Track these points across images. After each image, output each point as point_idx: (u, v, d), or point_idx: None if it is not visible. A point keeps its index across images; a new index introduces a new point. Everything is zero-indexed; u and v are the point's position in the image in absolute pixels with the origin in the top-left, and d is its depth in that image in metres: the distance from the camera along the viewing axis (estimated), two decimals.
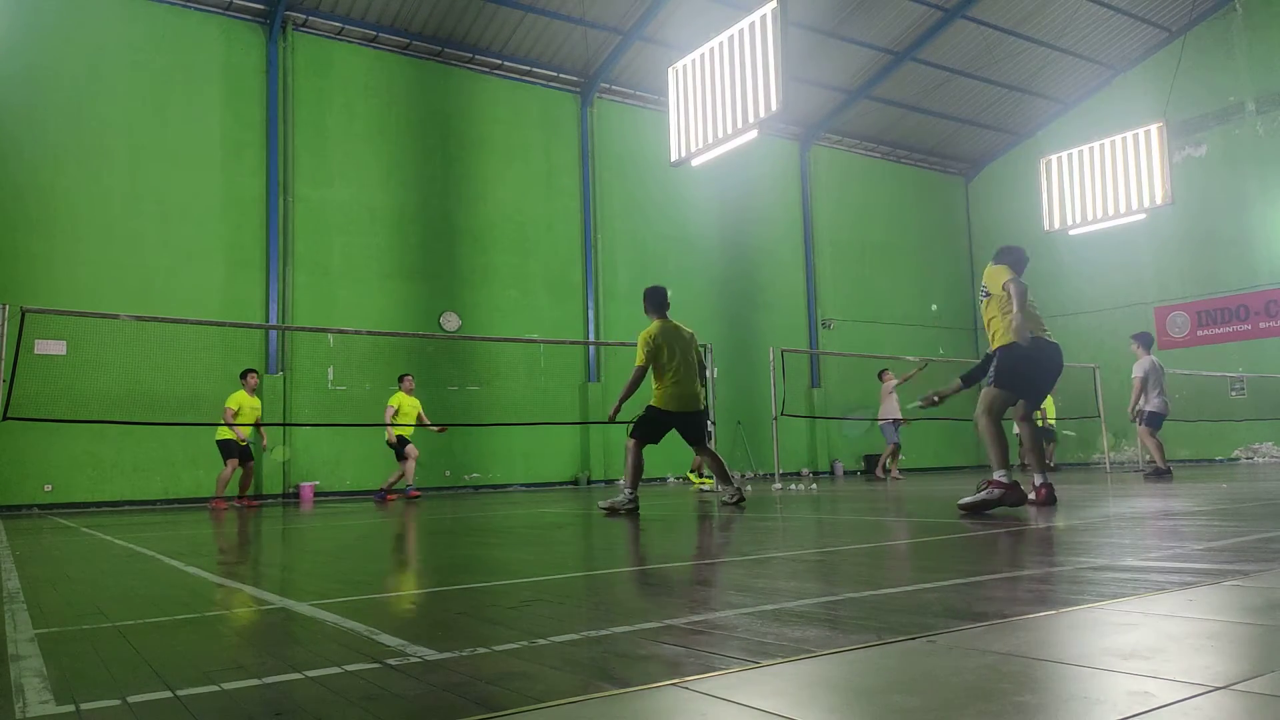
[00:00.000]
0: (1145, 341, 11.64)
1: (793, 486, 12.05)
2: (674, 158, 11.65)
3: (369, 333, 12.51)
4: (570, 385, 16.21)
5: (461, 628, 2.21)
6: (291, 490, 13.34)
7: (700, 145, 11.13)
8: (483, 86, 16.13)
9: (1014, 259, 6.06)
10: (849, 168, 20.86)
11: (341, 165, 14.62)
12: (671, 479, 16.52)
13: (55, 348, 11.78)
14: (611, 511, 6.80)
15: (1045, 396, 6.10)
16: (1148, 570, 2.74)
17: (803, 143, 20.00)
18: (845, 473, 19.18)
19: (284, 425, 13.11)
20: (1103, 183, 15.01)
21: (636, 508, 6.86)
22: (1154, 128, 14.50)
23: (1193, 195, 18.28)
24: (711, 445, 11.76)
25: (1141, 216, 14.94)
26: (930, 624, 1.96)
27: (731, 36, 10.52)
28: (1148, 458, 12.79)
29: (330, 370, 14.00)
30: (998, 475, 5.54)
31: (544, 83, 16.74)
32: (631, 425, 7.31)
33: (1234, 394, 18.14)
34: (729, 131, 10.58)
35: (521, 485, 15.42)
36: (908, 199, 21.78)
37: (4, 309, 7.62)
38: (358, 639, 2.05)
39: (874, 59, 18.61)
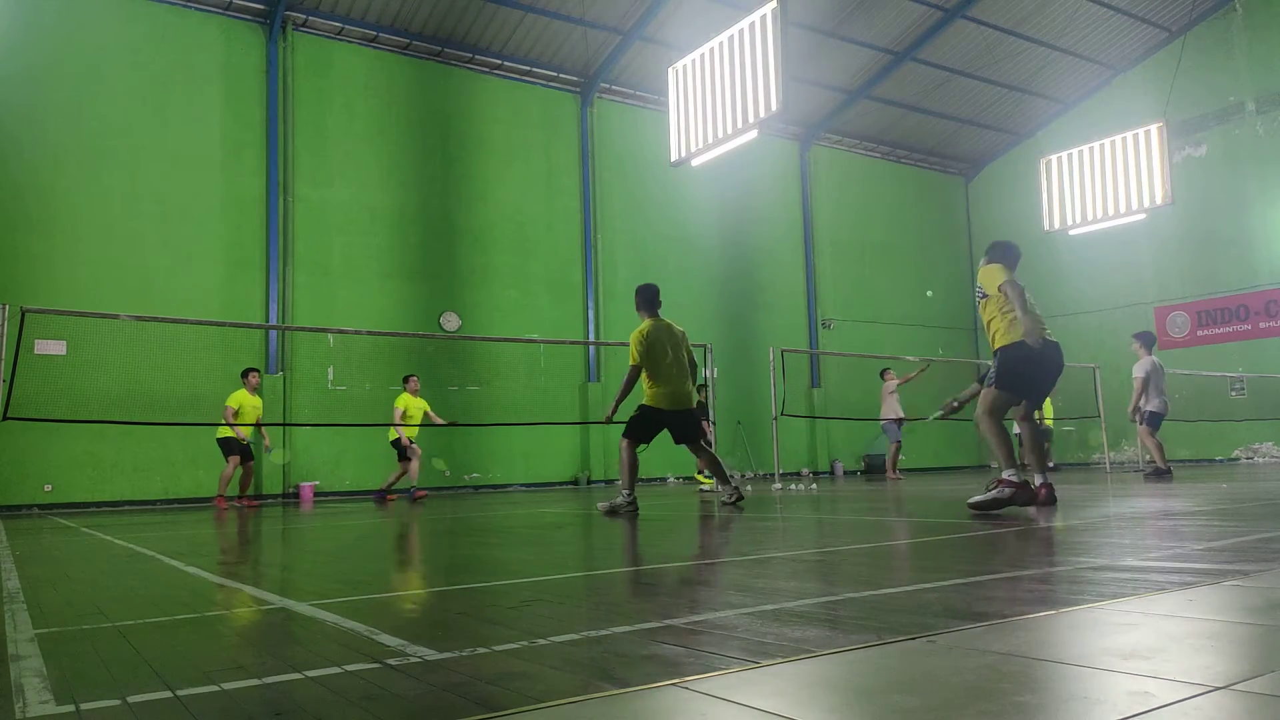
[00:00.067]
0: (1147, 341, 11.63)
1: (793, 486, 12.05)
2: (674, 158, 11.65)
3: (369, 333, 12.51)
4: (570, 385, 16.21)
5: (461, 628, 2.21)
6: (291, 490, 13.35)
7: (700, 145, 11.13)
8: (483, 86, 16.13)
9: (1005, 255, 6.02)
10: (849, 168, 20.86)
11: (341, 165, 14.62)
12: (672, 479, 16.53)
13: (55, 348, 11.78)
14: (611, 512, 6.80)
15: (1046, 396, 6.07)
16: (1148, 570, 2.74)
17: (803, 143, 20.00)
18: (845, 473, 19.19)
19: (284, 425, 13.11)
20: (1103, 183, 15.02)
21: (636, 508, 6.85)
22: (1154, 128, 14.50)
23: (1193, 195, 18.28)
24: (712, 446, 11.85)
25: (1141, 216, 14.94)
26: (930, 624, 1.96)
27: (731, 36, 10.52)
28: (1148, 458, 12.79)
29: (330, 370, 14.00)
30: (1007, 474, 5.52)
31: (544, 83, 16.75)
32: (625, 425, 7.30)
33: (1234, 394, 18.14)
34: (729, 131, 10.57)
35: (521, 485, 15.42)
36: (908, 199, 21.79)
37: (4, 309, 7.62)
38: (358, 639, 2.05)
39: (874, 59, 18.61)
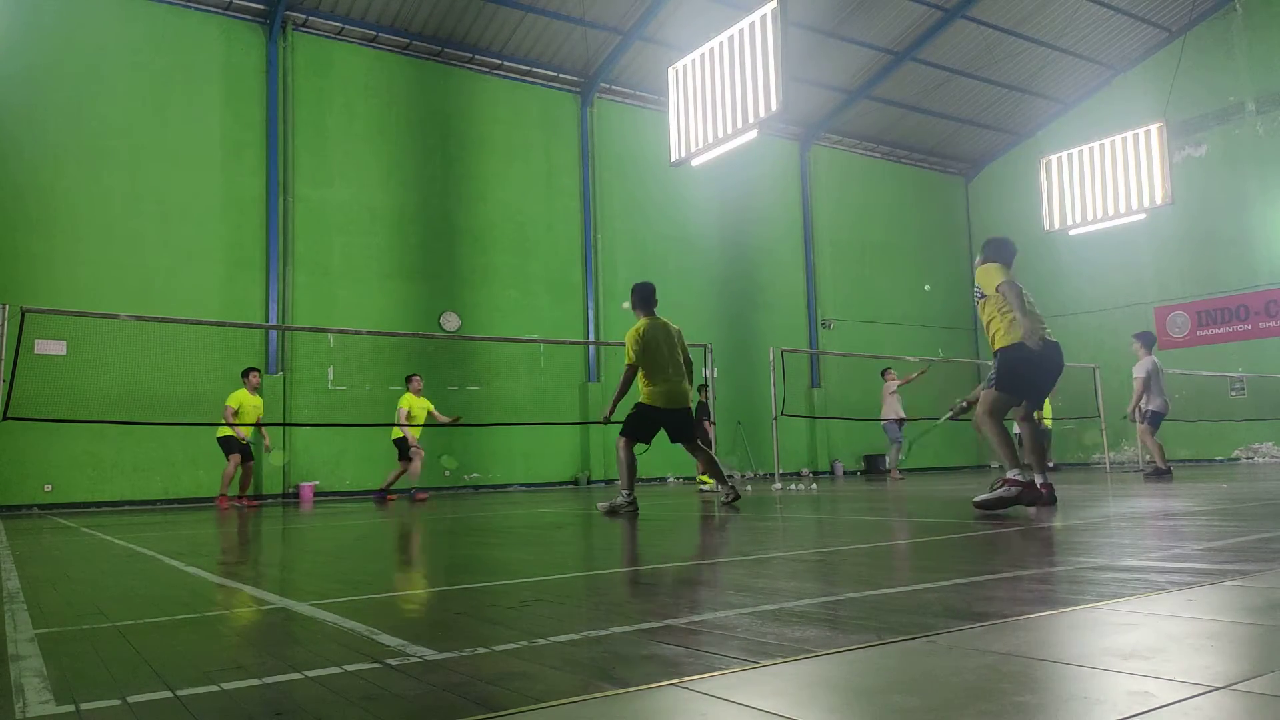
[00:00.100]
0: (1147, 341, 11.63)
1: (793, 486, 12.05)
2: (674, 158, 11.65)
3: (369, 333, 12.51)
4: (570, 385, 16.21)
5: (461, 628, 2.21)
6: (291, 490, 13.35)
7: (700, 145, 11.13)
8: (483, 86, 16.13)
9: (1001, 253, 5.96)
10: (849, 168, 20.87)
11: (341, 165, 14.62)
12: (672, 479, 16.53)
13: (55, 348, 11.78)
14: (611, 512, 6.80)
15: (1046, 396, 6.06)
16: (1148, 570, 2.74)
17: (803, 143, 20.01)
18: (845, 473, 19.19)
19: (284, 425, 13.11)
20: (1103, 183, 15.02)
21: (636, 508, 6.85)
22: (1154, 128, 14.50)
23: (1193, 195, 18.28)
24: (712, 446, 11.85)
25: (1141, 216, 14.94)
26: (930, 624, 1.96)
27: (731, 36, 10.52)
28: (1148, 458, 12.80)
29: (330, 370, 14.00)
30: (1012, 474, 5.50)
31: (544, 83, 16.75)
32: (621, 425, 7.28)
33: (1234, 394, 18.14)
34: (729, 131, 10.57)
35: (521, 485, 15.42)
36: (908, 199, 21.79)
37: (4, 309, 7.62)
38: (358, 639, 2.05)
39: (874, 59, 18.61)
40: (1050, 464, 15.64)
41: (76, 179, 12.51)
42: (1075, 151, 15.45)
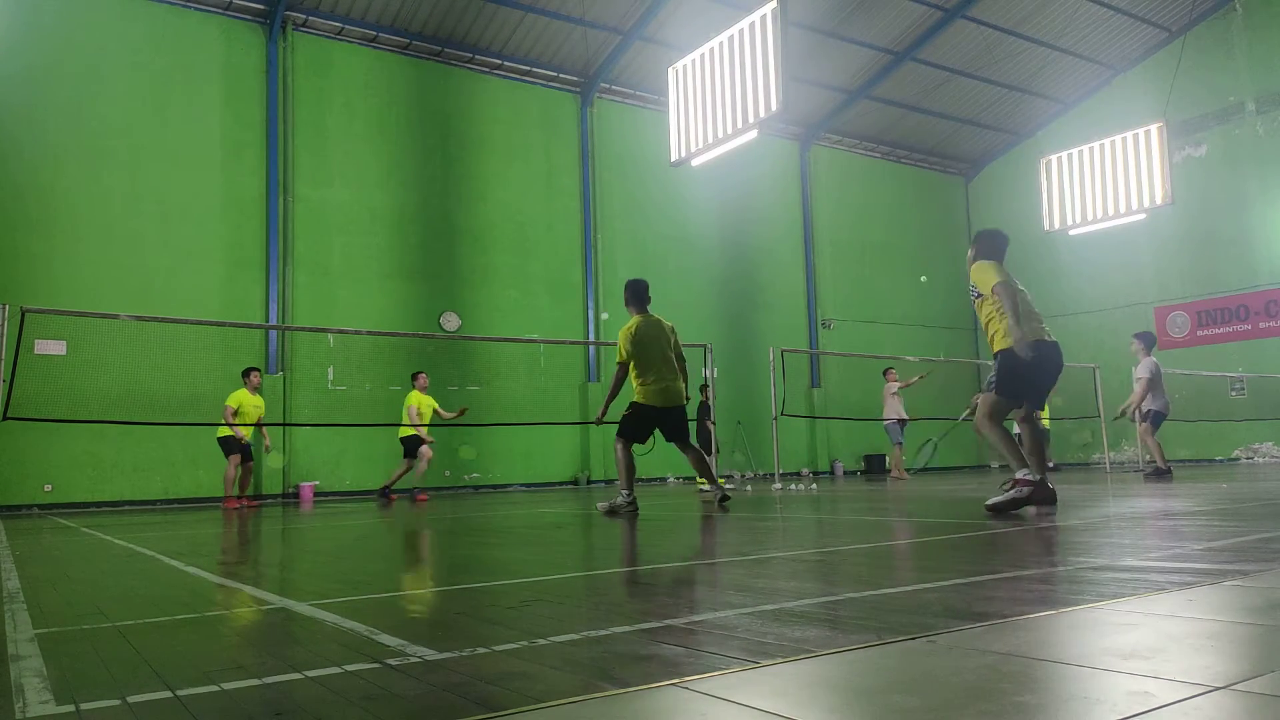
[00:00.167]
0: (1148, 341, 11.64)
1: (793, 487, 12.05)
2: (674, 158, 11.65)
3: (369, 333, 12.51)
4: (570, 385, 16.21)
5: (461, 628, 2.21)
6: (291, 490, 13.35)
7: (700, 145, 11.13)
8: (483, 86, 16.13)
9: (993, 248, 5.88)
10: (849, 168, 20.87)
11: (341, 165, 14.62)
12: (672, 479, 16.53)
13: (55, 348, 11.78)
14: (611, 512, 6.79)
15: (1046, 397, 6.01)
16: (1148, 570, 2.74)
17: (803, 143, 20.01)
18: (845, 473, 19.19)
19: (284, 425, 13.11)
20: (1103, 183, 15.02)
21: (636, 508, 6.84)
22: (1154, 128, 14.51)
23: (1193, 195, 18.29)
24: (713, 447, 11.85)
25: (1141, 216, 14.95)
26: (930, 624, 1.96)
27: (731, 36, 10.53)
28: (1148, 457, 12.80)
29: (330, 370, 14.00)
30: (1021, 474, 5.46)
31: (544, 83, 16.75)
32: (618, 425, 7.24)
33: (1234, 394, 18.15)
34: (729, 131, 10.58)
35: (521, 485, 15.43)
36: (908, 199, 21.79)
37: (4, 309, 7.62)
38: (358, 639, 2.05)
39: (874, 59, 18.61)
40: (1050, 464, 15.64)
41: (76, 179, 12.51)
42: (1075, 151, 15.45)
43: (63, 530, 7.07)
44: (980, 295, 5.77)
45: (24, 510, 11.52)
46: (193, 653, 1.99)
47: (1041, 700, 1.33)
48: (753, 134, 10.36)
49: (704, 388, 12.40)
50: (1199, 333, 18.98)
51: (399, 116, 15.25)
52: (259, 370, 11.26)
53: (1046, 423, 15.94)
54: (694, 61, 11.25)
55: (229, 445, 10.82)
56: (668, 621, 2.14)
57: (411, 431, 11.34)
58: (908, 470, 14.06)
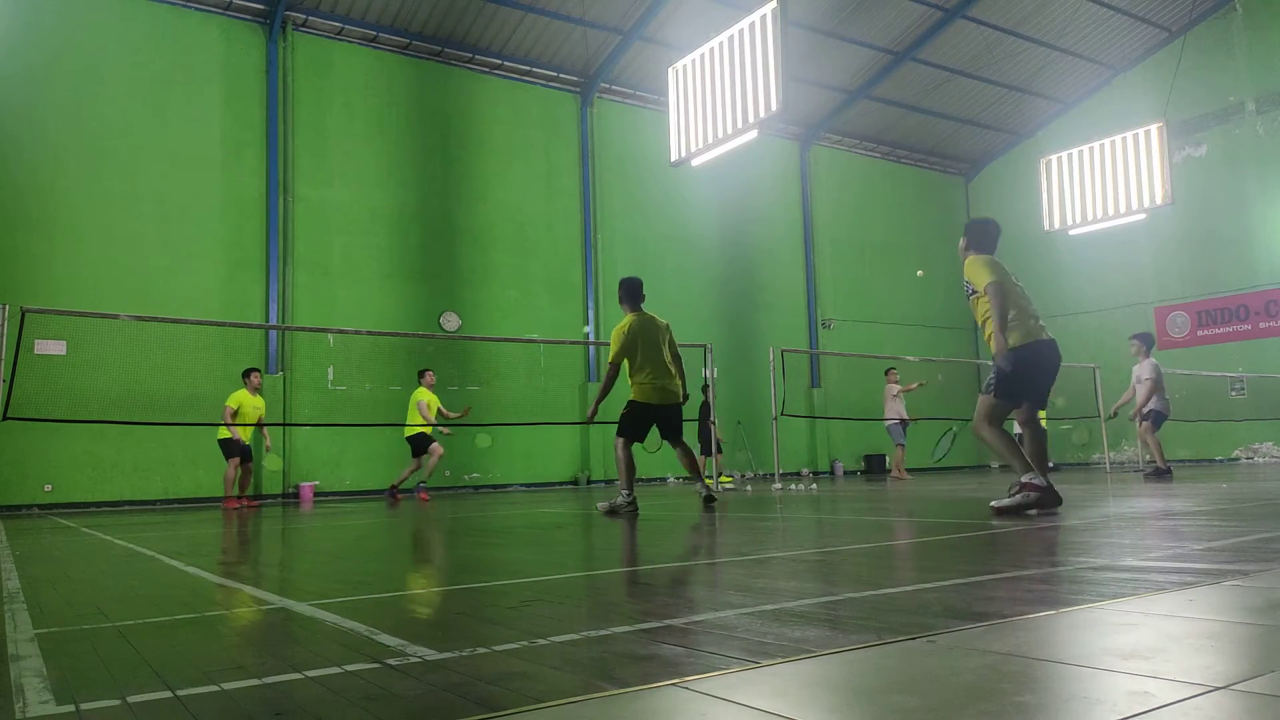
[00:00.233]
0: (1148, 342, 11.67)
1: (793, 487, 12.05)
2: (674, 158, 11.66)
3: (369, 333, 12.51)
4: (570, 385, 16.21)
5: (461, 628, 2.21)
6: (291, 490, 13.35)
7: (700, 145, 11.13)
8: (483, 86, 16.13)
9: (984, 240, 5.79)
10: (849, 168, 20.87)
11: (341, 165, 14.62)
12: (672, 479, 16.53)
13: (55, 348, 11.78)
14: (611, 512, 6.79)
15: (1047, 396, 5.91)
16: (1148, 570, 2.74)
17: (803, 143, 20.01)
18: (845, 473, 19.19)
19: (284, 425, 13.11)
20: (1103, 183, 15.02)
21: (636, 508, 6.84)
22: (1154, 128, 14.51)
23: (1193, 195, 18.29)
24: (715, 446, 11.85)
25: (1141, 216, 14.95)
26: (930, 624, 1.96)
27: (731, 36, 10.53)
28: (1148, 457, 12.80)
29: (330, 370, 14.00)
30: (1027, 478, 5.37)
31: (544, 83, 16.75)
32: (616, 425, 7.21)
33: (1234, 394, 18.15)
34: (729, 131, 10.58)
35: (521, 485, 15.43)
36: (907, 199, 21.79)
37: (4, 309, 7.62)
38: (358, 639, 2.05)
39: (874, 59, 18.62)
40: (1050, 465, 15.63)
41: (76, 179, 12.51)
42: (1075, 151, 15.45)
43: (63, 530, 7.08)
44: (975, 292, 5.68)
45: (24, 510, 11.52)
46: (193, 653, 1.99)
47: (1041, 700, 1.33)
48: (753, 134, 10.36)
49: (704, 388, 12.40)
50: (1199, 333, 18.98)
51: (399, 116, 15.25)
52: (259, 371, 11.25)
53: (1044, 423, 15.96)
54: (694, 61, 11.25)
55: (229, 447, 10.81)
56: (668, 621, 2.14)
57: (418, 430, 11.29)
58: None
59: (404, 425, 11.52)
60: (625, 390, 7.25)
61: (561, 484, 15.83)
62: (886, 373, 14.52)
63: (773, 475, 13.63)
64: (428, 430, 11.35)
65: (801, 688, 1.49)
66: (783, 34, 9.82)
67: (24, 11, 12.39)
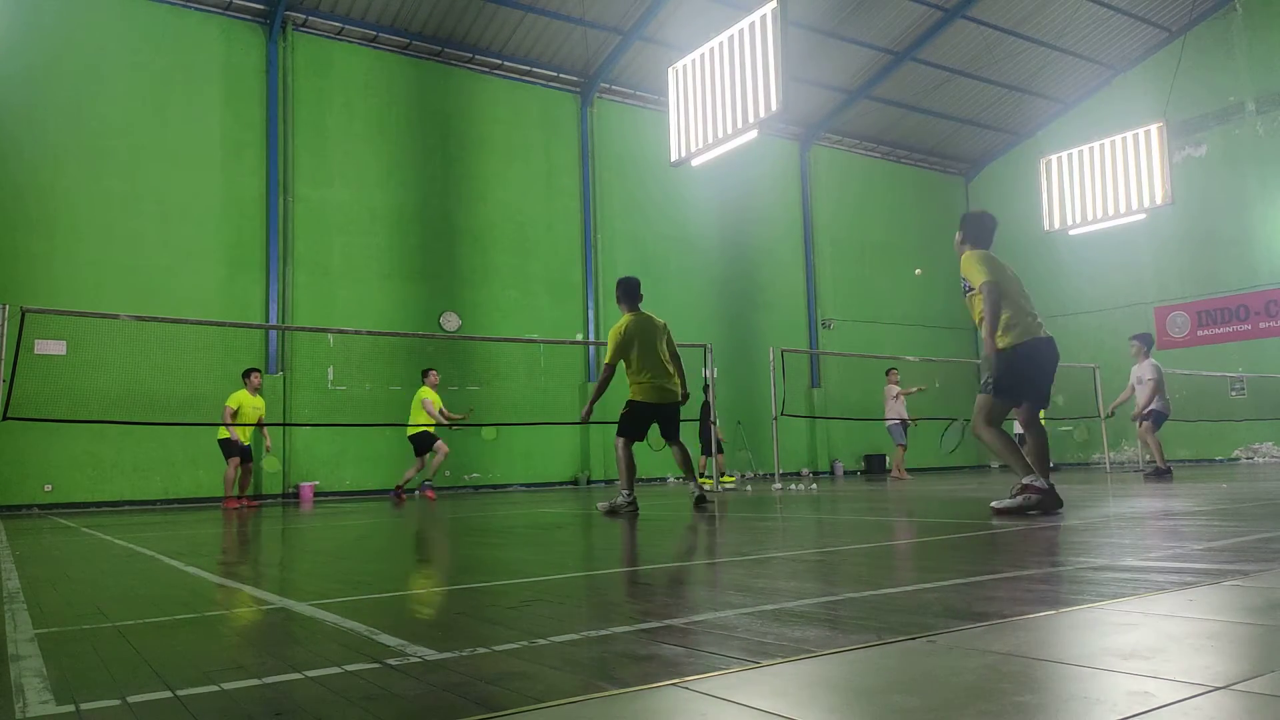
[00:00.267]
0: (1147, 343, 11.69)
1: (793, 487, 12.05)
2: (674, 158, 11.66)
3: (369, 333, 12.51)
4: (570, 385, 16.21)
5: (461, 628, 2.21)
6: (291, 490, 13.35)
7: (700, 145, 11.13)
8: (483, 86, 16.13)
9: (980, 234, 5.73)
10: (849, 168, 20.87)
11: (341, 165, 14.62)
12: (671, 479, 16.53)
13: (55, 348, 11.78)
14: (611, 512, 6.79)
15: (1048, 395, 5.82)
16: (1148, 570, 2.74)
17: (803, 143, 20.01)
18: (845, 473, 19.19)
19: (284, 425, 13.11)
20: (1103, 183, 15.03)
21: (636, 508, 6.83)
22: (1154, 128, 14.51)
23: (1193, 195, 18.29)
24: (716, 446, 11.84)
25: (1141, 216, 14.96)
26: (930, 624, 1.96)
27: (731, 36, 10.53)
28: (1148, 457, 12.80)
29: (330, 370, 14.00)
30: (1028, 480, 5.31)
31: (544, 83, 16.75)
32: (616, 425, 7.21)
33: (1234, 394, 18.15)
34: (729, 131, 10.58)
35: (521, 485, 15.43)
36: (907, 199, 21.79)
37: (4, 309, 7.62)
38: (358, 639, 2.05)
39: (874, 59, 18.61)
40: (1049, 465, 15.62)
41: (76, 179, 12.51)
42: (1075, 151, 15.46)
43: (63, 530, 7.08)
44: (971, 289, 5.61)
45: (24, 510, 11.52)
46: (193, 653, 1.99)
47: (1041, 700, 1.33)
48: (753, 134, 10.36)
49: (705, 388, 12.40)
50: (1199, 333, 18.98)
51: (399, 116, 15.25)
52: (259, 371, 11.25)
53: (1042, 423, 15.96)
54: (694, 61, 11.25)
55: (229, 447, 10.82)
56: (668, 621, 2.14)
57: (420, 429, 11.27)
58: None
59: (406, 425, 11.51)
60: (625, 390, 7.24)
61: (561, 484, 15.83)
62: (887, 373, 14.52)
63: (773, 475, 13.63)
64: (430, 429, 11.34)
65: (801, 688, 1.49)
66: (783, 34, 9.82)
67: (24, 11, 12.39)
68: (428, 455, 11.26)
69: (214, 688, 1.62)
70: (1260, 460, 17.79)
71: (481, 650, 1.87)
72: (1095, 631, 1.85)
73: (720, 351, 15.27)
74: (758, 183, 19.03)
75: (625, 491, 6.86)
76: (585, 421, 7.62)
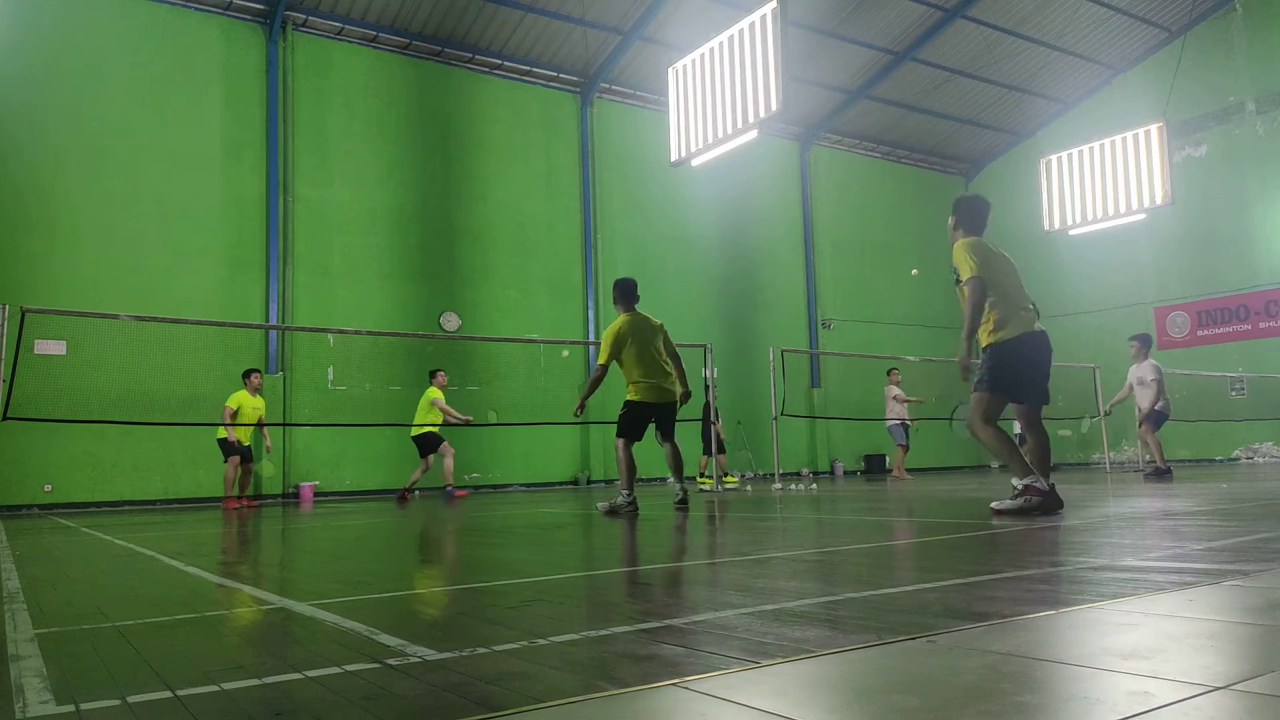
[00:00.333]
0: (1146, 343, 11.72)
1: (793, 487, 12.05)
2: (674, 158, 11.65)
3: (369, 333, 12.51)
4: (570, 385, 16.20)
5: (461, 628, 2.21)
6: (291, 490, 13.35)
7: (700, 145, 11.13)
8: (483, 86, 16.13)
9: (973, 221, 5.65)
10: (849, 168, 20.87)
11: (341, 165, 14.62)
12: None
13: (55, 348, 11.78)
14: (611, 512, 6.79)
15: (1047, 391, 5.74)
16: (1148, 570, 2.74)
17: (803, 143, 20.00)
18: (845, 473, 19.19)
19: (284, 425, 13.11)
20: (1103, 183, 15.03)
21: (636, 508, 6.84)
22: (1154, 128, 14.51)
23: (1193, 195, 18.29)
24: (718, 446, 11.83)
25: (1141, 216, 14.96)
26: (930, 624, 1.96)
27: (731, 36, 10.53)
28: (1148, 457, 12.80)
29: (330, 370, 14.00)
30: (1028, 481, 5.24)
31: (544, 83, 16.75)
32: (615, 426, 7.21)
33: (1234, 394, 18.15)
34: (729, 131, 10.58)
35: (521, 485, 15.42)
36: (908, 199, 21.78)
37: (4, 309, 7.62)
38: (358, 639, 2.05)
39: (874, 59, 18.61)
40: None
41: (76, 179, 12.51)
42: (1075, 151, 15.46)
43: (63, 530, 7.08)
44: (960, 280, 5.51)
45: (24, 510, 11.52)
46: (193, 653, 1.99)
47: (1041, 700, 1.33)
48: (753, 134, 10.36)
49: (706, 388, 12.39)
50: (1199, 333, 18.98)
51: (399, 116, 15.25)
52: (259, 371, 11.26)
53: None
54: (694, 61, 11.25)
55: (228, 447, 10.83)
56: (668, 621, 2.14)
57: (423, 430, 11.28)
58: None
59: (407, 425, 11.52)
60: (623, 389, 7.26)
61: (561, 484, 15.83)
62: (888, 373, 14.52)
63: (773, 475, 13.63)
64: (435, 430, 11.37)
65: (801, 688, 1.49)
66: (783, 34, 9.82)
67: (24, 11, 12.39)
68: (432, 456, 11.26)
69: (214, 688, 1.62)
70: (1260, 460, 17.79)
71: (481, 650, 1.87)
72: (1095, 631, 1.85)
73: (720, 351, 15.27)
74: (758, 183, 19.03)
75: (625, 492, 6.87)
76: (580, 411, 7.54)
